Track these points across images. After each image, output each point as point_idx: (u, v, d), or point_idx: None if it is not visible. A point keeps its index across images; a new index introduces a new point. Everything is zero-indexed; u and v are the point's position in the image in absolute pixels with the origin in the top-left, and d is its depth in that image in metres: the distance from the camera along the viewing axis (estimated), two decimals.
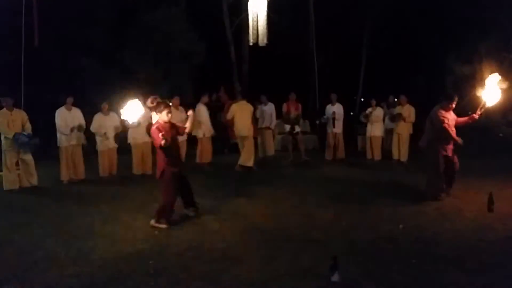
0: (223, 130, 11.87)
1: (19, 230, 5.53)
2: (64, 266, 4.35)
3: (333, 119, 11.05)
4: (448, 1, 15.27)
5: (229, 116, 9.99)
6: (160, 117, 5.74)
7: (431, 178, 6.76)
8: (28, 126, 8.12)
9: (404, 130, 10.51)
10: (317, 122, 11.68)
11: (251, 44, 9.53)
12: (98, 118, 9.05)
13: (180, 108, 9.83)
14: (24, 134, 7.91)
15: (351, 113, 16.84)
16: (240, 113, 9.87)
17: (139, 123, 9.12)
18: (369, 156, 11.16)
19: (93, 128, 9.03)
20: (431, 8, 16.00)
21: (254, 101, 11.27)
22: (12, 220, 6.00)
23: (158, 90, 14.21)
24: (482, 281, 3.91)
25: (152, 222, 5.62)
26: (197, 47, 14.98)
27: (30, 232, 5.42)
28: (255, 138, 11.06)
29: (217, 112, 12.31)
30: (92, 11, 14.09)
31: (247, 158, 9.86)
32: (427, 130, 6.85)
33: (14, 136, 7.84)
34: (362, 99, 19.03)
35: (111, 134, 9.10)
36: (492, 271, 4.10)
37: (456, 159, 6.72)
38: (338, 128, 11.15)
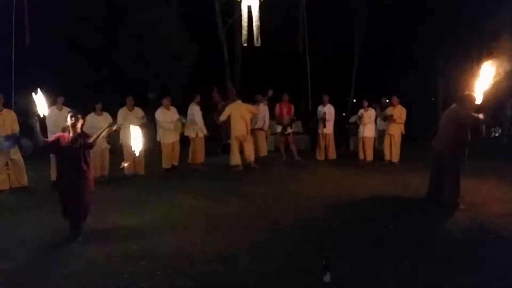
0: (215, 130, 11.85)
1: (9, 231, 5.47)
2: (54, 267, 4.31)
3: (324, 119, 11.09)
4: (439, 3, 15.40)
5: (223, 117, 9.95)
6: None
7: (453, 184, 6.34)
8: (16, 128, 8.02)
9: (396, 131, 10.58)
10: (309, 121, 11.70)
11: (245, 45, 9.53)
12: (90, 119, 8.98)
13: (172, 108, 9.80)
14: (8, 138, 7.77)
15: (343, 114, 16.90)
16: (237, 114, 9.89)
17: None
18: (361, 156, 11.20)
19: (85, 129, 8.95)
20: (422, 10, 16.11)
21: (248, 102, 11.26)
22: (2, 221, 5.93)
23: (149, 90, 14.27)
24: (474, 280, 3.94)
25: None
26: (189, 47, 14.95)
27: (20, 233, 5.37)
28: None
29: (209, 112, 12.28)
30: (84, 10, 14.02)
31: (250, 154, 10.12)
32: (448, 133, 6.42)
33: (4, 138, 7.75)
34: (354, 100, 19.12)
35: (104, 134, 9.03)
36: (483, 271, 4.14)
37: None
38: (329, 129, 11.19)
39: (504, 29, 14.19)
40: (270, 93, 10.59)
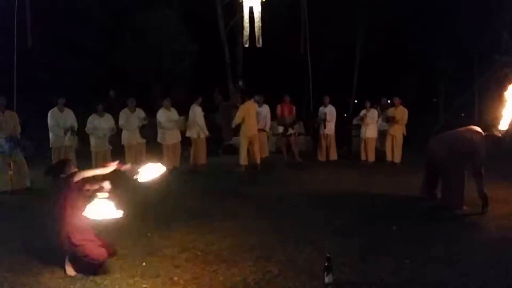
0: (217, 131, 11.86)
1: (11, 232, 5.47)
2: (56, 268, 4.32)
3: (325, 120, 11.10)
4: (441, 4, 15.38)
5: (238, 119, 9.99)
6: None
7: (456, 187, 6.25)
8: (18, 128, 8.05)
9: (397, 131, 10.57)
10: (317, 123, 11.67)
11: (246, 46, 9.55)
12: (92, 120, 9.01)
13: (172, 109, 9.82)
14: (10, 140, 7.79)
15: (345, 115, 16.88)
16: (250, 114, 10.00)
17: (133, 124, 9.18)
18: (363, 157, 11.19)
19: (87, 129, 9.00)
20: (424, 11, 16.09)
21: None
22: (4, 222, 5.94)
23: (150, 91, 14.29)
24: (476, 281, 3.92)
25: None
26: (190, 48, 14.96)
27: (23, 234, 5.37)
28: None
29: (210, 113, 12.29)
30: (85, 11, 14.05)
31: (257, 156, 10.09)
32: (455, 146, 6.29)
33: (5, 140, 7.77)
34: (356, 101, 19.08)
35: (106, 135, 9.08)
36: (486, 272, 4.12)
37: None
38: (330, 130, 11.20)
39: (505, 29, 14.19)
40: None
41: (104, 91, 13.50)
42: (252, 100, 10.28)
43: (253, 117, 10.07)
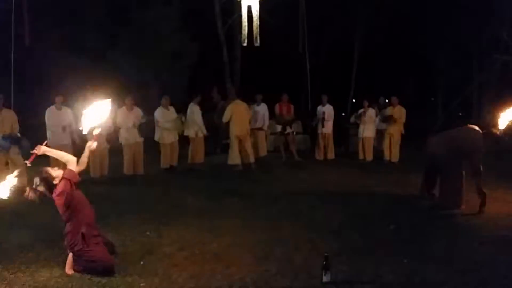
0: (215, 130, 11.83)
1: (8, 231, 5.46)
2: (53, 267, 4.31)
3: (323, 119, 11.11)
4: (440, 3, 15.40)
5: (225, 118, 9.96)
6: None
7: (454, 185, 6.27)
8: (16, 127, 8.02)
9: (395, 131, 10.58)
10: (313, 123, 11.71)
11: (244, 44, 9.53)
12: None
13: (170, 108, 9.80)
14: (6, 138, 7.74)
15: (343, 114, 16.88)
16: (238, 113, 9.90)
17: (133, 124, 9.16)
18: (361, 156, 11.20)
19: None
20: (423, 10, 16.11)
21: (248, 101, 11.25)
22: (1, 221, 5.92)
23: (149, 90, 14.25)
24: (475, 280, 3.93)
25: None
26: (189, 47, 14.94)
27: (20, 233, 5.35)
28: None
29: (208, 112, 12.25)
30: (83, 10, 14.02)
31: (250, 154, 10.02)
32: (452, 139, 6.32)
33: (2, 138, 7.73)
34: (354, 100, 19.09)
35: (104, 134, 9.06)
36: (484, 270, 4.13)
37: None
38: (328, 129, 11.21)
39: (505, 28, 14.20)
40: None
41: (104, 90, 13.46)
42: (239, 99, 10.19)
43: (242, 117, 9.95)
